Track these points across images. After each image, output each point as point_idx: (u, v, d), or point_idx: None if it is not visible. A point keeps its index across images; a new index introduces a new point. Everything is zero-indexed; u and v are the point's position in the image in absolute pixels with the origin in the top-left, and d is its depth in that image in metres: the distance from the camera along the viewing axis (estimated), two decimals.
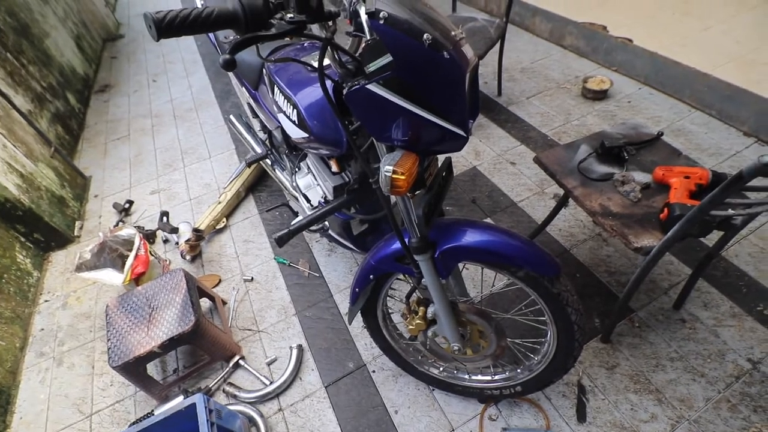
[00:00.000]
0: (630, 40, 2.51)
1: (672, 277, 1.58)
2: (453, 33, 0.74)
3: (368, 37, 0.73)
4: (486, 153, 2.27)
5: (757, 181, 0.94)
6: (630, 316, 1.50)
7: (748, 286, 1.52)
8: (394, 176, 0.74)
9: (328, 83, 0.83)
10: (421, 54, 0.68)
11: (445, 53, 0.69)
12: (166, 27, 0.57)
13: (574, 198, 1.29)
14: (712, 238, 1.22)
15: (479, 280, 1.66)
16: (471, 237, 0.94)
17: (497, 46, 2.35)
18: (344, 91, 0.75)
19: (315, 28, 0.75)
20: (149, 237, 2.13)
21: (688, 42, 2.40)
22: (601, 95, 2.46)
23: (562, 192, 1.54)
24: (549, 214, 1.64)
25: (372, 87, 0.72)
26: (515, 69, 2.83)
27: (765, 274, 1.54)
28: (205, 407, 1.16)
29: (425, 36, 0.67)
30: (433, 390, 1.42)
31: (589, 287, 1.60)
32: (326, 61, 0.72)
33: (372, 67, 0.74)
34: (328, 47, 0.72)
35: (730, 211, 0.97)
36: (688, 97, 2.30)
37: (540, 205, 1.95)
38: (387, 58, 0.71)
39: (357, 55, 0.76)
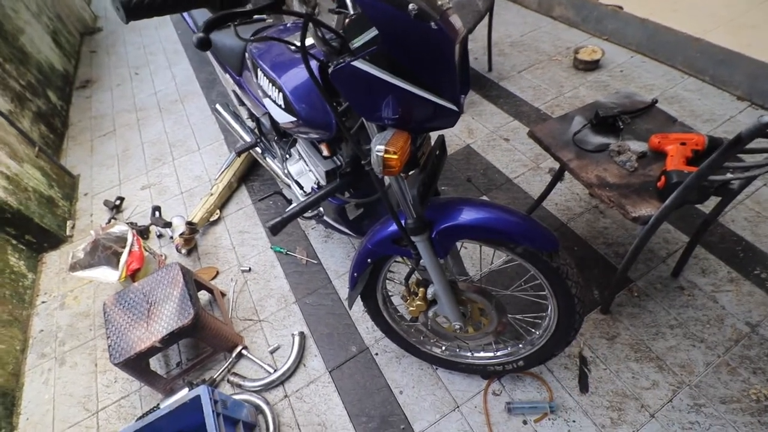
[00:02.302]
0: (620, 8, 2.46)
1: (669, 246, 1.59)
2: (440, 2, 0.71)
3: (351, 12, 0.70)
4: (479, 130, 2.24)
5: (754, 144, 0.93)
6: (629, 286, 1.51)
7: (745, 250, 1.52)
8: (386, 156, 0.72)
9: (313, 63, 0.80)
10: (407, 25, 0.65)
11: (432, 24, 0.66)
12: (135, 8, 0.53)
13: (570, 171, 1.28)
14: (709, 204, 1.21)
15: (478, 259, 1.65)
16: (468, 215, 0.93)
17: (486, 20, 2.30)
18: (329, 70, 0.72)
19: (296, 4, 0.71)
20: (143, 233, 2.10)
21: (679, 7, 2.35)
22: (593, 66, 2.42)
23: (557, 166, 1.52)
24: (545, 189, 1.63)
25: (358, 64, 0.69)
26: (505, 43, 2.77)
27: (761, 238, 1.54)
28: (210, 398, 1.16)
29: (411, 6, 0.64)
30: (437, 369, 1.43)
31: (588, 260, 1.60)
32: (310, 41, 0.69)
33: (357, 42, 0.70)
34: (310, 24, 0.68)
35: (729, 176, 0.96)
36: (680, 63, 2.27)
37: (536, 180, 1.94)
38: (372, 32, 0.68)
39: (341, 31, 0.72)
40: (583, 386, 1.32)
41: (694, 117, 2.02)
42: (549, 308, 1.09)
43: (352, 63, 0.69)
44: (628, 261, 1.24)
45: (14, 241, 1.99)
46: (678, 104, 2.10)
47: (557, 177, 1.55)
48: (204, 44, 0.53)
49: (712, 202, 1.17)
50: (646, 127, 1.32)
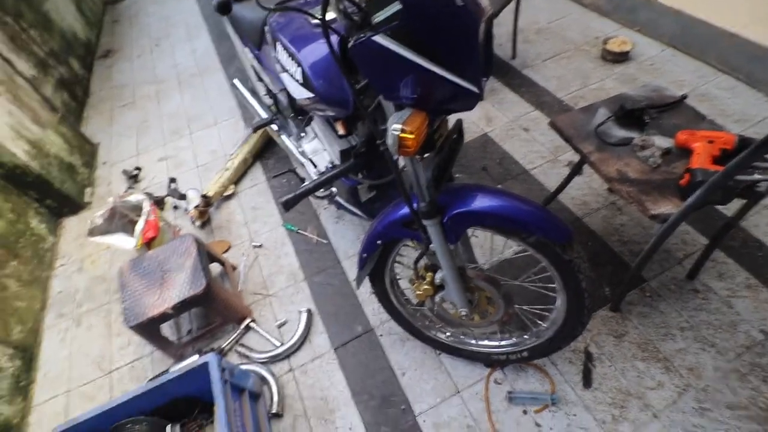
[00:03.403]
0: None
1: (687, 247, 1.55)
2: None
3: None
4: (498, 119, 2.20)
5: None
6: (641, 285, 1.48)
7: (766, 257, 1.48)
8: (402, 135, 0.71)
9: (334, 37, 0.78)
10: (432, 0, 0.63)
11: (458, 0, 0.64)
12: None
13: (590, 163, 1.25)
14: (732, 207, 1.17)
15: (488, 247, 1.64)
16: (481, 202, 0.92)
17: (513, 4, 2.22)
18: (349, 45, 0.71)
19: None
20: (159, 203, 2.14)
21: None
22: (622, 57, 2.33)
23: (576, 159, 1.49)
24: (562, 182, 1.60)
25: (378, 39, 0.67)
26: (531, 29, 2.69)
27: None
28: (219, 366, 1.19)
29: None
30: (440, 354, 1.44)
31: (601, 256, 1.58)
32: (332, 15, 0.67)
33: (379, 17, 0.69)
34: None
35: (757, 176, 0.92)
36: (714, 59, 2.17)
37: (553, 172, 1.90)
38: (395, 7, 0.66)
39: (363, 4, 0.71)
40: (587, 381, 1.31)
41: (725, 116, 1.94)
42: (557, 301, 1.08)
43: (372, 38, 0.68)
44: (642, 259, 1.22)
45: (36, 205, 2.05)
46: (708, 102, 2.01)
47: (576, 170, 1.52)
48: (223, 8, 0.52)
49: (736, 204, 1.13)
50: (673, 123, 1.27)
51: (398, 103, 0.78)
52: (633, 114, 1.29)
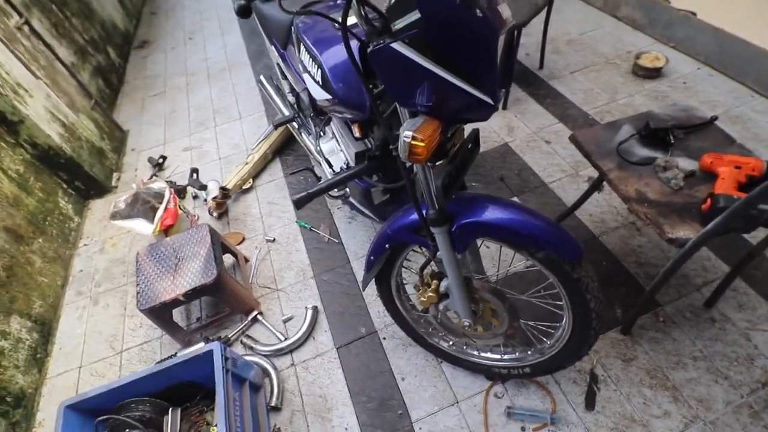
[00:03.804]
0: (693, 13, 2.28)
1: (707, 274, 1.49)
2: None
3: None
4: (520, 129, 2.17)
5: None
6: (656, 310, 1.44)
7: None
8: (413, 142, 0.71)
9: (354, 42, 0.79)
10: (451, 10, 0.63)
11: (477, 11, 0.64)
12: None
13: (609, 181, 1.22)
14: (757, 235, 1.12)
15: (500, 259, 1.62)
16: (491, 213, 0.91)
17: (543, 13, 2.19)
18: (368, 50, 0.72)
19: None
20: (180, 192, 2.20)
21: (760, 19, 2.14)
22: (654, 73, 2.27)
23: (597, 175, 1.46)
24: (580, 197, 1.56)
25: (396, 46, 0.68)
26: (561, 40, 2.64)
27: None
28: (222, 354, 1.22)
29: None
30: (441, 362, 1.43)
31: (615, 276, 1.54)
32: (354, 19, 0.68)
33: (399, 24, 0.69)
34: (355, 2, 0.68)
35: None
36: (752, 80, 2.09)
37: (572, 187, 1.86)
38: (415, 15, 0.66)
39: (385, 11, 0.71)
40: (590, 403, 1.28)
41: (758, 141, 1.86)
42: (564, 319, 1.06)
43: (390, 45, 0.68)
44: (657, 283, 1.18)
45: (65, 185, 2.15)
46: (741, 125, 1.94)
47: (595, 186, 1.48)
48: (244, 12, 0.54)
49: (762, 232, 1.08)
50: (699, 145, 1.23)
51: (413, 110, 0.78)
52: (658, 133, 1.26)
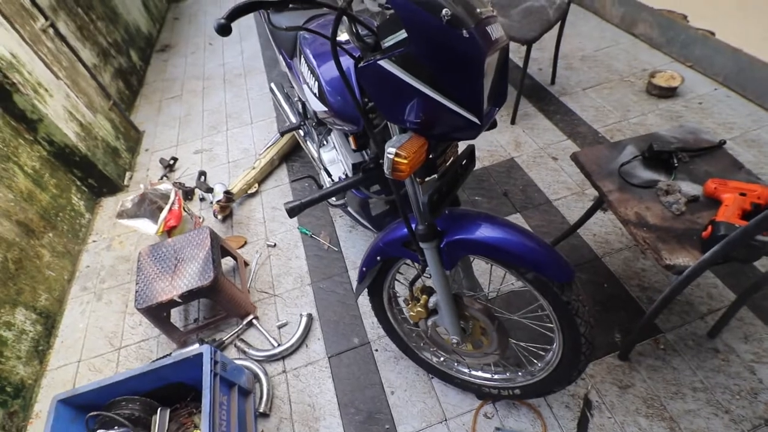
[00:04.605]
0: (712, 33, 2.23)
1: (713, 302, 1.44)
2: (479, 10, 0.68)
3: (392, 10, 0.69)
4: (527, 144, 2.15)
5: None
6: (656, 336, 1.39)
7: None
8: (396, 159, 0.71)
9: (345, 58, 0.80)
10: (437, 30, 0.64)
11: (464, 32, 0.64)
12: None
13: (609, 203, 1.20)
14: (767, 263, 1.08)
15: (497, 276, 1.60)
16: (481, 231, 0.90)
17: (556, 29, 2.18)
18: (357, 66, 0.73)
19: None
20: (188, 194, 2.25)
21: None
22: (668, 93, 2.22)
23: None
24: (582, 216, 1.53)
25: (383, 63, 0.69)
26: (575, 56, 2.62)
27: None
28: (211, 358, 1.23)
29: (444, 11, 0.62)
30: (432, 378, 1.41)
31: (616, 299, 1.50)
32: (346, 36, 0.69)
33: (388, 42, 0.70)
34: (347, 19, 0.69)
35: None
36: None
37: (577, 206, 1.83)
38: (403, 33, 0.67)
39: (375, 28, 0.72)
40: (582, 430, 1.24)
41: None
42: (554, 343, 1.04)
43: (378, 62, 0.69)
44: (655, 309, 1.14)
45: (78, 183, 2.21)
46: (757, 149, 1.88)
47: (596, 205, 1.45)
48: (224, 30, 0.55)
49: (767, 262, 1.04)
50: (705, 169, 1.20)
51: (401, 126, 0.78)
52: (661, 155, 1.23)
